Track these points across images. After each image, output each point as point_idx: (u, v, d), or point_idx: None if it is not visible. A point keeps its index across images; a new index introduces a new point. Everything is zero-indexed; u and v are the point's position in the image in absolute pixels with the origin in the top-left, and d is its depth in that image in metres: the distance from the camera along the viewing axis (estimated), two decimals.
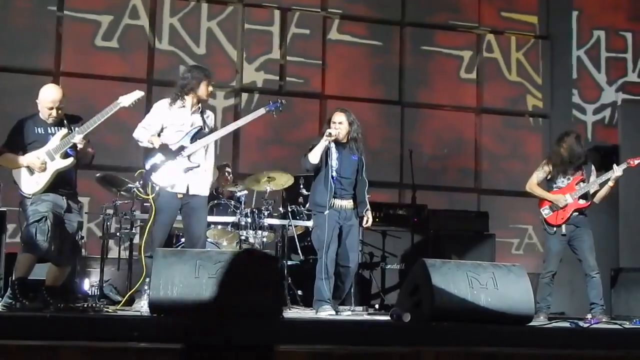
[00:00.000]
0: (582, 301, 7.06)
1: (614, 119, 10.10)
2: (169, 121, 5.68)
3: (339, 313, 5.97)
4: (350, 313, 6.21)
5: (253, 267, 2.56)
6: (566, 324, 5.64)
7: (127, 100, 5.46)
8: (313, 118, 9.23)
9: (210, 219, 6.68)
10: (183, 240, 6.54)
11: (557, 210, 6.50)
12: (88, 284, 7.19)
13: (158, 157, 5.61)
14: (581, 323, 5.63)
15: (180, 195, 5.63)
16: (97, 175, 6.99)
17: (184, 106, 5.72)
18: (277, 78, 9.31)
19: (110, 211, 7.14)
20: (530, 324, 5.24)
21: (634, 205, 8.63)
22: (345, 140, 6.13)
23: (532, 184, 6.68)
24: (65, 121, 5.37)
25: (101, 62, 8.73)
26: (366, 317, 6.31)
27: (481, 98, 9.97)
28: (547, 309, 6.41)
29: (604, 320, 6.09)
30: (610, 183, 6.52)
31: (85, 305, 5.33)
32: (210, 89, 5.77)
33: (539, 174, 6.69)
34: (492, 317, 5.00)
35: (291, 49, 9.40)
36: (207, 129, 5.77)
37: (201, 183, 5.73)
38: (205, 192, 5.78)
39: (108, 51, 8.79)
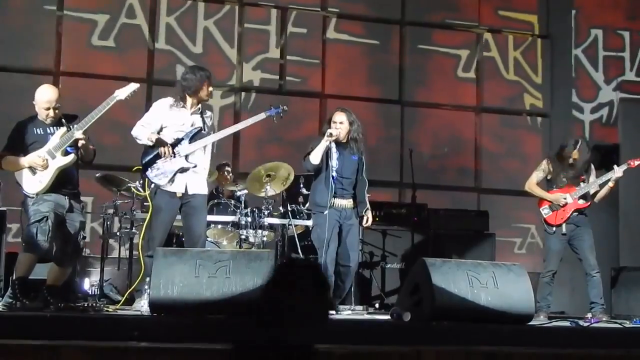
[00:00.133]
0: (582, 300, 7.06)
1: (611, 117, 10.10)
2: (169, 121, 5.68)
3: (339, 312, 5.97)
4: (350, 312, 6.21)
5: (297, 275, 2.62)
6: (566, 323, 5.65)
7: (123, 93, 5.47)
8: (312, 117, 9.22)
9: (210, 218, 6.68)
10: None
11: (557, 210, 6.50)
12: (88, 284, 7.19)
13: (156, 155, 5.61)
14: (581, 322, 5.63)
15: (179, 195, 5.63)
16: (97, 174, 6.99)
17: (184, 106, 5.72)
18: (274, 77, 9.28)
19: (111, 211, 7.14)
20: (531, 323, 5.25)
21: (634, 204, 8.64)
22: (345, 140, 6.12)
23: (532, 184, 6.67)
24: (63, 120, 5.37)
25: (97, 61, 8.71)
26: (366, 316, 6.31)
27: (481, 97, 9.97)
28: (547, 308, 6.42)
29: (604, 319, 6.09)
30: (611, 184, 6.52)
31: (86, 305, 5.33)
32: (211, 89, 5.78)
33: (538, 174, 6.68)
34: (492, 317, 5.01)
35: (288, 48, 9.39)
36: (206, 130, 5.77)
37: (200, 182, 5.73)
38: (205, 191, 5.78)
39: (104, 50, 8.77)
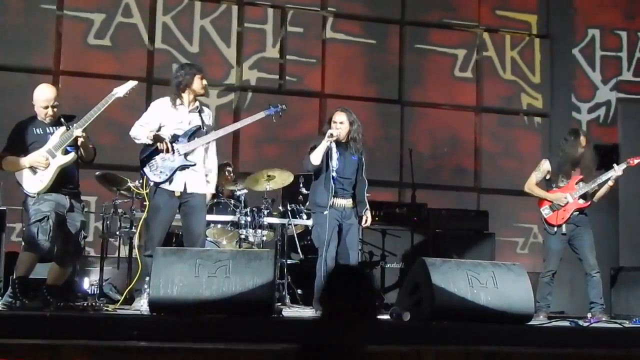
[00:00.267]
0: (582, 300, 7.06)
1: (608, 117, 10.09)
2: (167, 120, 5.69)
3: None
4: None
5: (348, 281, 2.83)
6: (566, 323, 5.65)
7: (121, 90, 5.46)
8: (310, 117, 9.21)
9: (209, 217, 6.68)
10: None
11: (558, 210, 6.49)
12: (88, 283, 7.19)
13: (155, 153, 5.61)
14: (581, 322, 5.63)
15: (177, 194, 5.63)
16: (97, 173, 6.98)
17: (182, 104, 5.73)
18: (270, 76, 9.25)
19: (111, 210, 7.13)
20: (530, 323, 5.25)
21: (634, 204, 8.64)
22: (345, 140, 6.11)
23: (531, 184, 6.66)
24: (62, 119, 5.37)
25: (94, 60, 8.69)
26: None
27: (481, 97, 9.97)
28: (547, 308, 6.41)
29: (603, 319, 6.09)
30: (610, 182, 6.51)
31: (85, 304, 5.33)
32: (205, 82, 5.78)
33: (537, 174, 6.67)
34: (492, 316, 5.01)
35: (285, 47, 9.38)
36: (205, 128, 5.77)
37: (199, 181, 5.73)
38: (204, 191, 5.78)
39: (101, 49, 8.75)
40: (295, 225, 7.14)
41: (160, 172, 5.61)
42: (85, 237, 5.69)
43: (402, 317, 5.03)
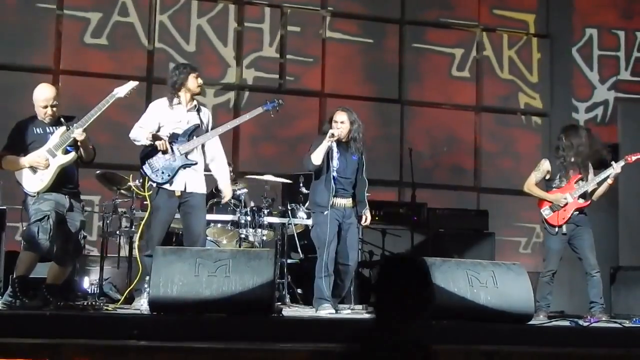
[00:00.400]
0: (581, 300, 7.06)
1: (606, 117, 10.10)
2: (165, 120, 5.70)
3: (338, 312, 5.97)
4: (349, 312, 6.21)
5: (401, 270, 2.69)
6: (566, 323, 5.65)
7: (122, 90, 5.46)
8: (308, 116, 9.20)
9: (209, 217, 6.68)
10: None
11: (558, 210, 6.48)
12: (88, 282, 7.19)
13: (155, 154, 5.61)
14: (581, 322, 5.63)
15: (178, 193, 5.63)
16: (97, 172, 6.98)
17: (179, 103, 5.74)
18: (267, 75, 9.23)
19: (110, 209, 7.13)
20: (530, 322, 5.25)
21: (634, 204, 8.63)
22: (346, 140, 6.11)
23: (530, 185, 6.66)
24: (62, 119, 5.37)
25: (90, 59, 8.67)
26: (366, 315, 6.30)
27: (481, 96, 9.97)
28: (546, 308, 6.41)
29: (603, 318, 6.08)
30: (609, 180, 6.51)
31: (85, 304, 5.34)
32: (200, 81, 5.78)
33: (537, 174, 6.66)
34: (491, 316, 5.01)
35: (283, 46, 9.36)
36: (204, 127, 5.77)
37: (199, 181, 5.73)
38: (203, 190, 5.78)
39: (97, 48, 8.74)
40: (295, 224, 7.14)
41: (162, 172, 5.61)
42: (85, 237, 5.69)
43: None
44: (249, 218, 6.97)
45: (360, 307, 6.84)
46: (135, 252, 6.09)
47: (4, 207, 6.28)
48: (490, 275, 5.13)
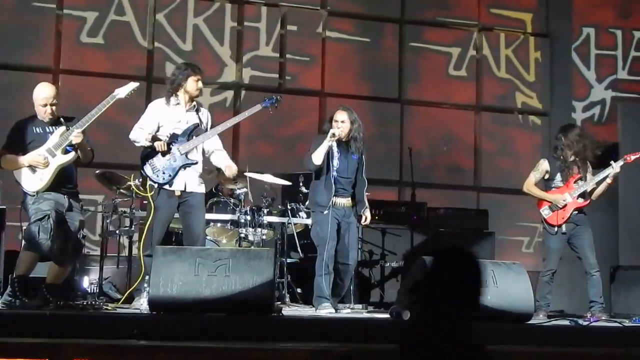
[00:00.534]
0: (581, 299, 7.06)
1: (603, 116, 10.10)
2: (165, 119, 5.69)
3: (338, 311, 5.96)
4: (349, 311, 6.21)
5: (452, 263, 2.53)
6: (566, 322, 5.65)
7: (123, 91, 5.46)
8: (305, 115, 9.17)
9: (209, 216, 6.68)
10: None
11: (557, 210, 6.49)
12: (87, 282, 7.18)
13: (156, 155, 5.61)
14: (581, 321, 5.63)
15: (177, 193, 5.63)
16: (97, 172, 6.98)
17: (178, 103, 5.73)
18: (263, 74, 9.21)
19: (110, 209, 7.13)
20: (530, 322, 5.25)
21: (634, 203, 8.63)
22: (346, 139, 6.10)
23: (530, 185, 6.66)
24: (62, 119, 5.36)
25: (87, 58, 8.66)
26: (365, 314, 6.31)
27: (481, 96, 9.96)
28: (546, 307, 6.41)
29: (603, 318, 6.09)
30: (609, 180, 6.51)
31: (85, 303, 5.34)
32: (200, 85, 5.75)
33: (536, 174, 6.67)
34: (491, 315, 5.01)
35: (279, 45, 9.34)
36: (203, 126, 5.77)
37: (199, 180, 5.73)
38: (203, 190, 5.79)
39: (93, 48, 8.72)
40: (295, 224, 7.14)
41: (163, 172, 5.61)
42: (84, 237, 5.69)
43: (401, 316, 5.03)
44: (248, 217, 6.96)
45: (360, 306, 6.84)
46: (135, 251, 6.09)
47: (4, 207, 6.27)
48: (490, 275, 5.13)
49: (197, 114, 5.79)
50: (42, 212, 5.20)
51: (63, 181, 5.36)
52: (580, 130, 6.61)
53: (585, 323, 5.53)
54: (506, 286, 5.13)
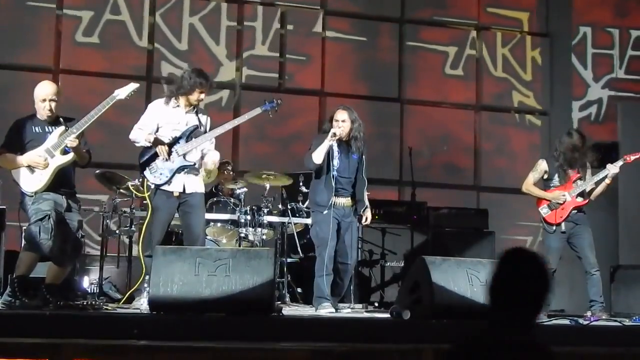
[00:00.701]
0: (581, 299, 7.06)
1: (600, 115, 10.11)
2: (164, 120, 5.69)
3: (338, 310, 5.96)
4: (349, 310, 6.21)
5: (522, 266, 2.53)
6: (566, 322, 5.64)
7: (123, 92, 5.44)
8: (303, 114, 9.17)
9: (209, 216, 6.68)
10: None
11: (556, 209, 6.49)
12: (87, 282, 7.18)
13: (154, 155, 5.61)
14: (581, 320, 5.63)
15: (176, 194, 5.63)
16: (97, 172, 6.98)
17: (178, 105, 5.73)
18: (260, 74, 9.22)
19: (110, 208, 7.13)
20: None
21: (634, 202, 8.64)
22: (346, 139, 6.10)
23: (529, 184, 6.66)
24: (61, 119, 5.35)
25: (82, 58, 8.66)
26: (366, 314, 6.31)
27: (477, 95, 9.96)
28: (546, 307, 6.39)
29: (603, 317, 6.09)
30: (607, 180, 6.51)
31: (85, 303, 5.33)
32: (202, 97, 5.72)
33: (535, 174, 6.67)
34: None
35: (275, 45, 9.34)
36: (202, 128, 5.77)
37: (198, 181, 5.73)
38: (202, 190, 5.78)
39: (89, 47, 8.71)
40: (295, 223, 7.14)
41: (160, 173, 5.61)
42: (83, 236, 5.68)
43: (402, 316, 5.03)
44: (248, 217, 6.96)
45: (360, 305, 6.84)
46: (135, 251, 6.09)
47: (4, 207, 6.27)
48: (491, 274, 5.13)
49: (197, 115, 5.78)
50: (42, 212, 5.18)
51: (61, 182, 5.34)
52: (576, 140, 6.56)
53: (586, 322, 5.53)
54: None
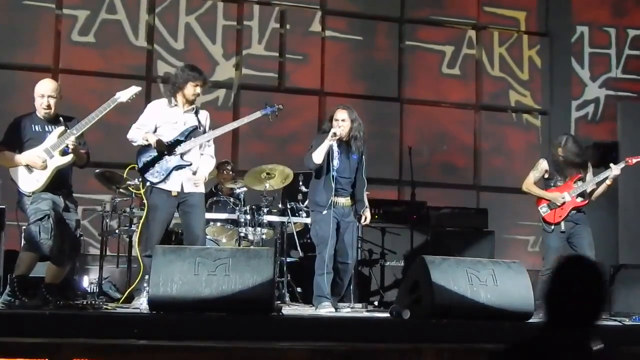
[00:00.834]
0: None
1: (597, 115, 10.11)
2: (163, 119, 5.70)
3: (338, 310, 5.96)
4: (349, 310, 6.21)
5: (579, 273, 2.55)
6: None
7: (124, 95, 5.44)
8: (299, 114, 9.17)
9: (209, 216, 6.68)
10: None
11: (555, 209, 6.49)
12: (87, 281, 7.18)
13: (151, 154, 5.61)
14: None
15: (174, 194, 5.63)
16: (96, 171, 6.98)
17: (176, 105, 5.73)
18: (257, 73, 9.23)
19: (110, 208, 7.13)
20: (530, 320, 5.24)
21: (633, 202, 8.64)
22: (346, 139, 6.09)
23: (529, 183, 6.67)
24: (61, 119, 5.34)
25: (78, 57, 8.65)
26: (365, 314, 6.31)
27: (475, 94, 9.96)
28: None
29: (603, 317, 6.08)
30: (608, 181, 6.51)
31: (85, 303, 5.32)
32: (198, 90, 5.72)
33: (535, 173, 6.67)
34: (491, 314, 5.01)
35: (271, 44, 9.34)
36: (201, 129, 5.77)
37: (197, 181, 5.73)
38: (201, 190, 5.78)
39: (85, 46, 8.71)
40: (294, 223, 7.14)
41: (157, 172, 5.61)
42: (81, 235, 5.67)
43: (402, 315, 5.02)
44: (248, 217, 6.96)
45: (360, 305, 6.84)
46: (135, 251, 6.09)
47: (4, 207, 6.26)
48: (490, 274, 5.13)
49: (196, 116, 5.78)
50: (41, 212, 5.17)
51: (59, 183, 5.32)
52: (565, 150, 6.56)
53: None
54: (506, 285, 5.13)
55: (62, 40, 8.68)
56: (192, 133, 5.71)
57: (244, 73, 9.23)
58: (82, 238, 5.74)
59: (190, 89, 5.68)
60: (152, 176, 5.61)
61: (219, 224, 7.10)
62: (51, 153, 5.26)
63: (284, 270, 7.08)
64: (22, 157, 5.25)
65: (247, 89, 9.17)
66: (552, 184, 6.59)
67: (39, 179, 5.24)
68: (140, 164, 5.65)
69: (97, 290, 6.74)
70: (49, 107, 5.32)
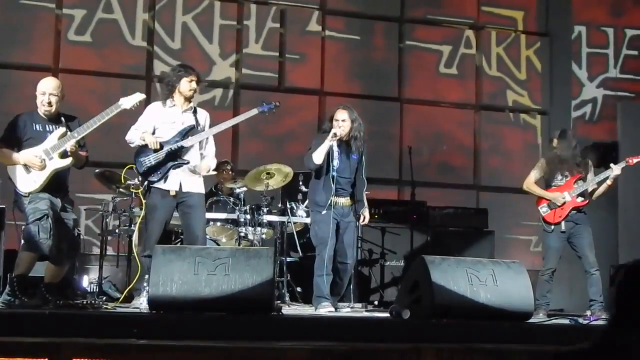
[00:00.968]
0: (581, 298, 7.06)
1: (594, 115, 10.11)
2: (161, 120, 5.71)
3: (338, 310, 5.96)
4: (349, 310, 6.21)
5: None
6: (566, 321, 5.65)
7: (128, 102, 5.41)
8: (297, 114, 9.16)
9: (209, 215, 6.68)
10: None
11: (555, 208, 6.49)
12: (87, 281, 7.18)
13: (149, 153, 5.61)
14: (581, 320, 5.63)
15: (172, 193, 5.63)
16: (96, 171, 6.98)
17: (174, 105, 5.74)
18: (255, 73, 9.22)
19: (109, 208, 7.13)
20: (530, 320, 5.24)
21: (633, 202, 8.64)
22: (346, 139, 6.09)
23: (529, 183, 6.67)
24: (62, 119, 5.33)
25: (75, 56, 8.65)
26: (365, 313, 6.31)
27: (473, 94, 9.95)
28: (546, 306, 6.41)
29: (603, 316, 6.08)
30: (609, 181, 6.51)
31: (84, 302, 5.32)
32: (193, 85, 5.74)
33: (536, 173, 6.68)
34: (491, 314, 5.01)
35: (269, 43, 9.34)
36: (200, 128, 5.77)
37: (196, 181, 5.73)
38: (201, 189, 5.78)
39: (81, 46, 8.71)
40: (294, 223, 7.14)
41: (155, 171, 5.62)
42: (79, 235, 5.67)
43: (401, 315, 5.02)
44: (248, 216, 6.96)
45: (359, 305, 6.84)
46: (135, 251, 6.09)
47: (4, 206, 6.25)
48: (490, 274, 5.13)
49: (195, 115, 5.78)
50: (40, 211, 5.15)
51: (56, 184, 5.30)
52: (559, 142, 6.57)
53: (585, 322, 5.53)
54: (506, 285, 5.12)
55: (61, 39, 8.67)
56: (189, 132, 5.71)
57: (243, 73, 9.23)
58: (83, 238, 5.74)
59: (186, 85, 5.70)
60: (151, 176, 5.62)
61: (218, 223, 7.10)
62: (50, 154, 5.24)
63: (284, 270, 7.08)
64: (20, 156, 5.23)
65: (247, 88, 9.17)
66: (553, 184, 6.59)
67: (37, 179, 5.22)
68: (138, 164, 5.65)
69: (97, 289, 6.74)
70: (50, 104, 5.30)
